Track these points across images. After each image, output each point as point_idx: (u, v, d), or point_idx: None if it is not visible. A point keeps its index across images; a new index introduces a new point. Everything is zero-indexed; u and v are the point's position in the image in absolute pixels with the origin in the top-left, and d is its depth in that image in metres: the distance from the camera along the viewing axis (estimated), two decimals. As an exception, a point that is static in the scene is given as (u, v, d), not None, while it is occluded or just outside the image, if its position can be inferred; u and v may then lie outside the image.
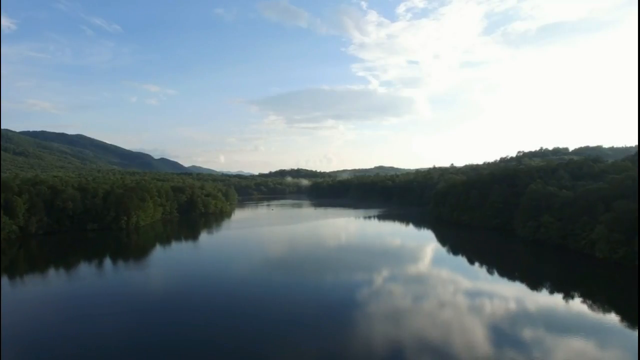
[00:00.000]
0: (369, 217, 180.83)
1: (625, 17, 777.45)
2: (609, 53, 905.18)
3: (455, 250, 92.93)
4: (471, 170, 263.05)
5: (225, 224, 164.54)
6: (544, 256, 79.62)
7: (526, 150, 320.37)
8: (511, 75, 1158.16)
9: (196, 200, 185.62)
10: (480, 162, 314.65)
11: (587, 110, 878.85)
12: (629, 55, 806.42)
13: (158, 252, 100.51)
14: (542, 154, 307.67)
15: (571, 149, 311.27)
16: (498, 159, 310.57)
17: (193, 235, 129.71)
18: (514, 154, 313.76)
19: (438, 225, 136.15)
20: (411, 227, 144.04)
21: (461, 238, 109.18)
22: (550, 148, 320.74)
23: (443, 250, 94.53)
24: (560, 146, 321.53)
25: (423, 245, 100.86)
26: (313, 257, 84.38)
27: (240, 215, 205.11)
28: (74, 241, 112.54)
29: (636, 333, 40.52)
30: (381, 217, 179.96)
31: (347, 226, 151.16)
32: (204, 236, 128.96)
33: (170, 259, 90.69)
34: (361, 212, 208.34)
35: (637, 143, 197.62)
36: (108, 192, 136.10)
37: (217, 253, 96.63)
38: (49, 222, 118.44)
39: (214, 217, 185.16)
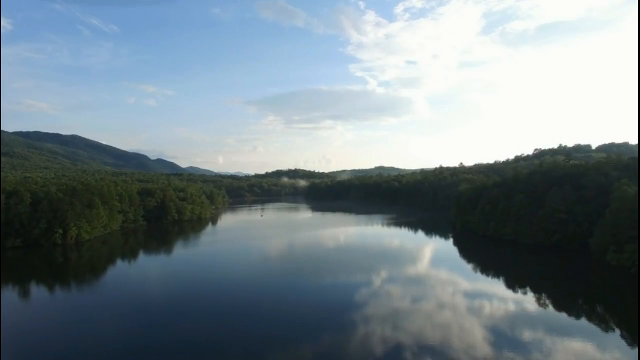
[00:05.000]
0: (377, 226, 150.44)
1: (625, 15, 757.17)
2: (609, 52, 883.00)
3: (524, 286, 62.07)
4: (487, 170, 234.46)
5: (197, 235, 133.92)
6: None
7: (544, 147, 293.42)
8: (510, 75, 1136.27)
9: (168, 205, 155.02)
10: (489, 161, 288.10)
11: (587, 109, 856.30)
12: (629, 54, 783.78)
13: (96, 281, 72.02)
14: (563, 151, 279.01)
15: (594, 146, 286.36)
16: (512, 157, 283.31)
17: (145, 254, 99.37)
18: (529, 152, 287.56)
19: (470, 241, 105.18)
20: (437, 243, 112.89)
21: (519, 264, 76.10)
22: (571, 145, 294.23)
23: (511, 291, 59.14)
24: (582, 143, 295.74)
25: (475, 282, 66.60)
26: (311, 316, 52.08)
27: (222, 222, 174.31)
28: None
29: None
30: (391, 225, 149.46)
31: (352, 242, 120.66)
32: (158, 256, 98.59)
33: (103, 296, 60.37)
34: (366, 218, 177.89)
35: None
36: (46, 195, 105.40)
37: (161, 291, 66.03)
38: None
39: (190, 224, 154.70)
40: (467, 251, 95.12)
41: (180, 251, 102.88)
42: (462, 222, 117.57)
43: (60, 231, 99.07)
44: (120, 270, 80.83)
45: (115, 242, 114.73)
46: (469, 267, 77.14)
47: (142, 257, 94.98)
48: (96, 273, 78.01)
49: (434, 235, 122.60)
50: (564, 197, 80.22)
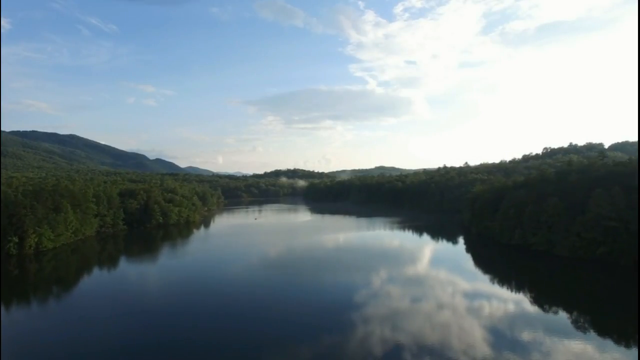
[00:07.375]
0: (382, 230, 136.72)
1: (625, 15, 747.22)
2: (609, 52, 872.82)
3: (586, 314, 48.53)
4: (496, 169, 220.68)
5: (181, 242, 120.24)
6: None
7: (553, 146, 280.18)
8: (510, 75, 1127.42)
9: (152, 207, 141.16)
10: (492, 160, 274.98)
11: (588, 108, 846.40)
12: (629, 54, 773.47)
13: (65, 294, 63.65)
14: (575, 150, 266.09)
15: (606, 144, 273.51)
16: (519, 156, 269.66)
17: (124, 262, 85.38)
18: (536, 151, 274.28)
19: (492, 251, 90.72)
20: (456, 254, 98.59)
21: (562, 283, 61.35)
22: (582, 144, 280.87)
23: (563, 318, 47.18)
24: (593, 142, 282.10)
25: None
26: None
27: (211, 227, 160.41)
28: None
29: None
30: (398, 229, 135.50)
31: (356, 248, 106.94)
32: (139, 265, 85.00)
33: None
34: (368, 222, 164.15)
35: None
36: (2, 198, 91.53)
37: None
38: None
39: (177, 229, 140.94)
40: (493, 264, 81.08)
41: (162, 261, 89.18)
42: (480, 228, 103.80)
43: (16, 240, 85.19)
44: (93, 282, 70.64)
45: (88, 249, 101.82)
46: (502, 286, 63.20)
47: (120, 266, 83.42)
48: (64, 285, 67.95)
49: (448, 243, 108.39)
50: (612, 201, 66.54)
